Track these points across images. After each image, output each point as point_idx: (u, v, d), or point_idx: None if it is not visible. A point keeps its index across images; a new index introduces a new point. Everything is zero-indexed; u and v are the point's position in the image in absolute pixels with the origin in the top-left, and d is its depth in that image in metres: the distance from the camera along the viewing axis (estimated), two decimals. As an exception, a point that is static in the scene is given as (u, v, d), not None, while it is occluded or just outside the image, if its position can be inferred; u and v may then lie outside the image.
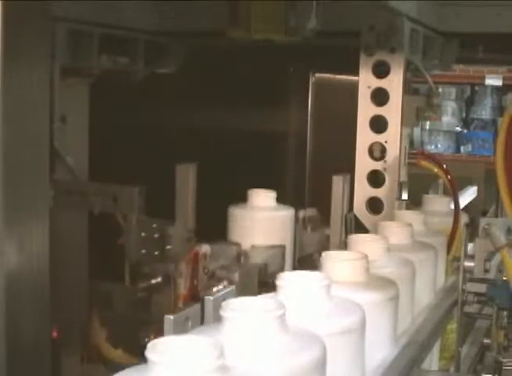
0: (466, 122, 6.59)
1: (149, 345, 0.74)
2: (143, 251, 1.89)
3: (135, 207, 1.88)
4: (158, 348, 0.74)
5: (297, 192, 2.62)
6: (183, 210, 1.92)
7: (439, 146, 6.49)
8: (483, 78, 5.91)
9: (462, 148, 6.50)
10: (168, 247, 1.89)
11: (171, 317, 0.96)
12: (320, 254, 1.18)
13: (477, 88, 6.48)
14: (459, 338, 1.61)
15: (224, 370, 0.73)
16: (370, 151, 2.05)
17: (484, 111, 6.55)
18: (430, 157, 2.07)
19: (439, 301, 1.57)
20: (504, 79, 5.87)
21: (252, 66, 2.55)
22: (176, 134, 2.62)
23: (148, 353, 0.73)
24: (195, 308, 1.01)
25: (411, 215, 1.68)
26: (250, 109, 2.68)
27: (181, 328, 0.96)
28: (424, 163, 2.02)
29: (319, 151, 2.65)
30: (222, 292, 1.07)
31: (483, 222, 1.72)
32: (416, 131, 6.26)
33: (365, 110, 2.04)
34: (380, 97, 2.03)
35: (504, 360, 1.62)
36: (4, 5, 0.80)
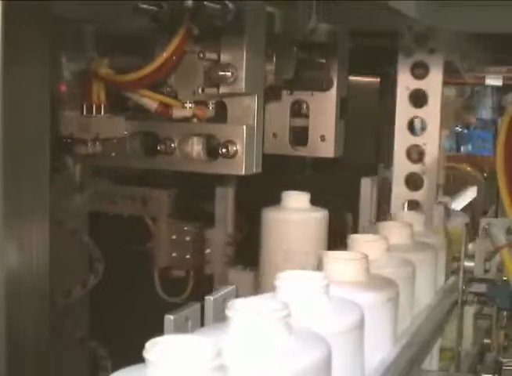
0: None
1: (148, 345, 0.74)
2: (174, 254, 1.86)
3: (165, 210, 1.85)
4: (156, 348, 0.74)
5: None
6: (222, 213, 1.90)
7: (439, 146, 6.49)
8: (483, 78, 5.91)
9: (462, 148, 6.51)
10: (208, 250, 1.87)
11: (171, 317, 0.96)
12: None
13: (477, 88, 6.48)
14: (459, 338, 1.61)
15: (222, 370, 0.73)
16: (408, 154, 2.02)
17: (485, 111, 6.55)
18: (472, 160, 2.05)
19: (439, 301, 1.57)
20: (504, 79, 5.87)
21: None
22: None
23: (146, 353, 0.73)
24: (195, 308, 1.01)
25: (411, 215, 1.68)
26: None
27: (181, 328, 0.96)
28: (464, 165, 1.99)
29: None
30: (222, 292, 1.07)
31: (483, 222, 1.72)
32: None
33: (404, 111, 2.01)
34: (418, 99, 2.00)
35: (504, 360, 1.62)
36: (4, 5, 0.80)
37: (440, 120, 2.00)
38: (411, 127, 2.02)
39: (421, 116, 2.01)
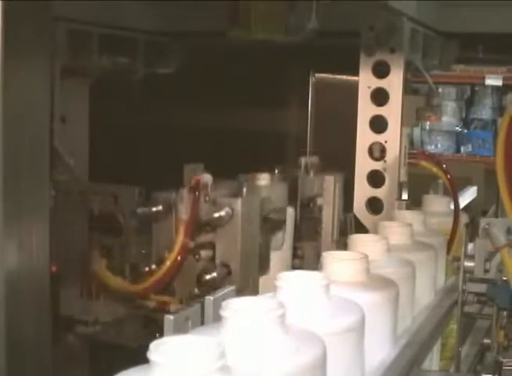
0: (466, 122, 6.60)
1: (152, 346, 0.74)
2: (143, 251, 1.90)
3: (135, 207, 1.89)
4: (160, 349, 0.74)
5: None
6: None
7: (439, 146, 6.50)
8: (483, 78, 5.91)
9: (462, 148, 6.51)
10: None
11: (171, 317, 0.96)
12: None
13: (477, 88, 6.48)
14: (459, 338, 1.61)
15: (225, 371, 0.73)
16: (370, 151, 2.05)
17: (485, 111, 6.55)
18: (430, 157, 2.07)
19: (439, 301, 1.57)
20: (504, 79, 5.88)
21: (252, 67, 2.55)
22: (176, 134, 2.62)
23: (150, 354, 0.73)
24: (195, 308, 1.01)
25: (411, 215, 1.68)
26: (250, 109, 2.68)
27: (181, 328, 0.96)
28: (424, 163, 2.02)
29: (319, 151, 2.65)
30: (222, 292, 1.07)
31: (483, 222, 1.72)
32: (416, 131, 6.27)
33: (365, 110, 2.04)
34: (380, 97, 2.03)
35: (504, 360, 1.62)
36: (4, 5, 0.80)
37: (401, 118, 2.02)
38: (372, 125, 2.04)
39: (383, 114, 2.03)
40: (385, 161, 2.03)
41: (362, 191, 2.05)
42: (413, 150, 2.17)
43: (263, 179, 1.66)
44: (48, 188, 0.92)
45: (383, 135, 2.03)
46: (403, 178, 2.05)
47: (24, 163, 0.88)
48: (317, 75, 2.68)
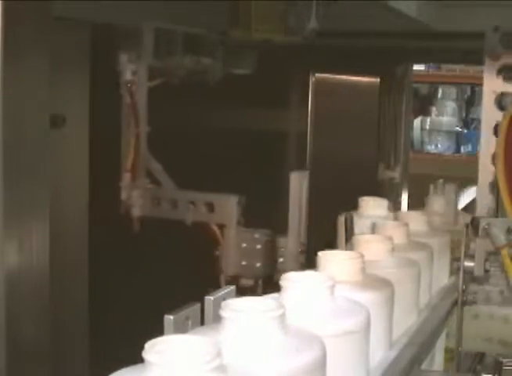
0: (466, 122, 6.60)
1: (147, 346, 0.74)
2: (243, 262, 1.79)
3: (234, 217, 1.79)
4: (155, 349, 0.73)
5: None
6: (296, 220, 1.83)
7: (439, 146, 6.50)
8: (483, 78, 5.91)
9: (462, 148, 6.51)
10: (281, 260, 1.80)
11: (171, 317, 0.95)
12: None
13: (477, 88, 6.48)
14: (459, 338, 1.61)
15: (222, 370, 0.73)
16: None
17: (485, 111, 6.55)
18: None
19: (439, 302, 1.56)
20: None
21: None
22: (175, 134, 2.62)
23: (145, 354, 0.73)
24: (195, 308, 1.01)
25: (413, 215, 1.68)
26: (250, 109, 2.68)
27: (181, 328, 0.96)
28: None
29: (319, 151, 2.65)
30: (222, 292, 1.07)
31: (483, 222, 1.72)
32: (416, 131, 6.26)
33: (490, 116, 1.96)
34: (505, 102, 1.95)
35: (504, 360, 1.62)
36: (4, 5, 0.80)
37: None
38: (497, 131, 1.97)
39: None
40: None
41: (485, 200, 1.96)
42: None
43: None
44: (49, 188, 0.92)
45: None
46: None
47: (24, 163, 0.88)
48: (317, 75, 2.68)
